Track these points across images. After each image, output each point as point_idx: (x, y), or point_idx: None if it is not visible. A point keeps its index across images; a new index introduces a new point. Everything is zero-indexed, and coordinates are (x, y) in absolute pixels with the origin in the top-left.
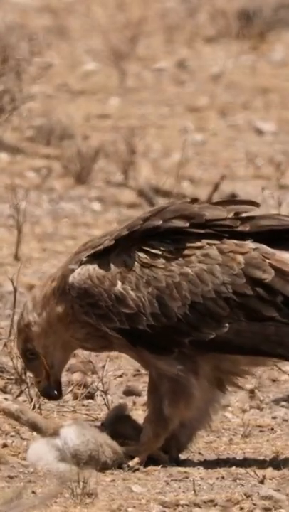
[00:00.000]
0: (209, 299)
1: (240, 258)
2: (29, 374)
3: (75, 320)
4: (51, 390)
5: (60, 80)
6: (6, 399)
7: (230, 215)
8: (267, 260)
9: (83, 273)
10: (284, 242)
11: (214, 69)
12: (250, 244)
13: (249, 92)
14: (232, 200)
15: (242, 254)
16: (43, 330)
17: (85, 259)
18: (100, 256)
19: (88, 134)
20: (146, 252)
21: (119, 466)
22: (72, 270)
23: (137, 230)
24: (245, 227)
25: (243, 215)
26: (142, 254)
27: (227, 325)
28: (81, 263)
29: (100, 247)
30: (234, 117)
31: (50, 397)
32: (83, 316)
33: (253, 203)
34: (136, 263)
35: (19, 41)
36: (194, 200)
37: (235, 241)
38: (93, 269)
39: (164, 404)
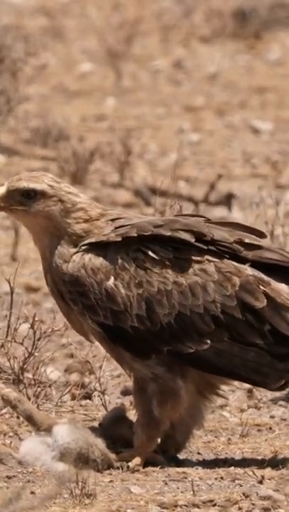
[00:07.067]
0: (196, 314)
1: (236, 280)
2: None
3: None
4: None
5: (56, 81)
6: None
7: (234, 239)
8: (262, 288)
9: (78, 261)
10: (281, 275)
11: (210, 69)
12: (247, 269)
13: (245, 92)
14: (242, 224)
15: (238, 277)
16: None
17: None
18: (99, 247)
19: (84, 134)
20: (145, 254)
21: (108, 467)
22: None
23: (145, 236)
24: (248, 255)
25: (248, 241)
26: (140, 255)
27: (209, 342)
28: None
29: (104, 239)
30: (230, 117)
31: None
32: (70, 302)
33: (261, 234)
34: (132, 262)
35: (15, 42)
36: (208, 220)
37: (235, 263)
38: (89, 259)
39: (153, 406)
